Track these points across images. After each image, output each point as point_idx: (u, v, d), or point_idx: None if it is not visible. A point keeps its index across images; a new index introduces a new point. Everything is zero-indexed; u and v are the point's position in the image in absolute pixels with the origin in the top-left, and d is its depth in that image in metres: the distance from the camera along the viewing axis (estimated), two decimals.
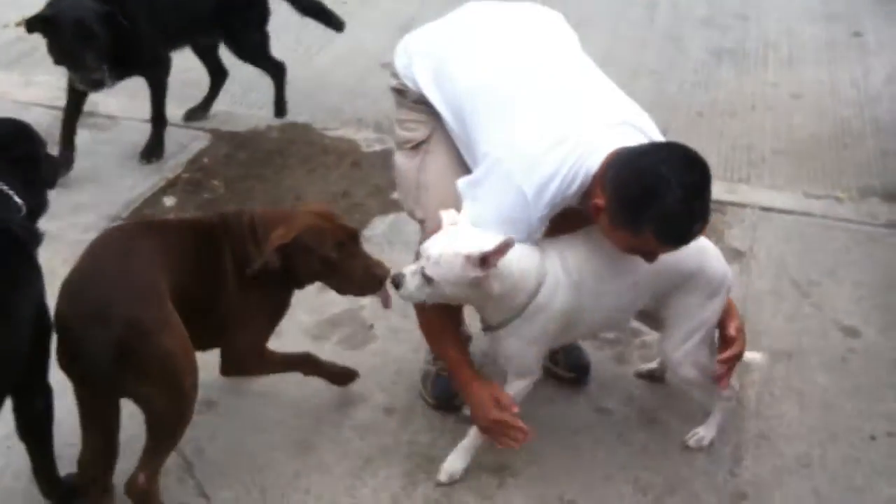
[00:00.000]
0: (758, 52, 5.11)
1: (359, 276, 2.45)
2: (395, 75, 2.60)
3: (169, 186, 3.75)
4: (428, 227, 2.45)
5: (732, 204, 3.74)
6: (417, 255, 2.20)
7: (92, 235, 3.35)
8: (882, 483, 2.52)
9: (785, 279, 3.30)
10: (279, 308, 2.57)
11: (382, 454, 2.58)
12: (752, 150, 4.17)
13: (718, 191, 3.76)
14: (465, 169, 2.43)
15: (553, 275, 2.28)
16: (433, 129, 2.52)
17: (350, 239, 2.46)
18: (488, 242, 2.14)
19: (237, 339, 2.47)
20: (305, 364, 2.66)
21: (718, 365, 2.43)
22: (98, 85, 3.54)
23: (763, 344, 2.99)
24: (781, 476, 2.54)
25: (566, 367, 2.82)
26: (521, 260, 2.23)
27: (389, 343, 2.98)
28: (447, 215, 2.25)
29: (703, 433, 2.60)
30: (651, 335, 3.03)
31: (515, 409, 2.35)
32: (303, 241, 2.38)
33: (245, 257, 2.41)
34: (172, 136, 4.03)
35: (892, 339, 3.03)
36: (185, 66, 4.78)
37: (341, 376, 2.73)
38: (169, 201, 3.68)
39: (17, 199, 2.19)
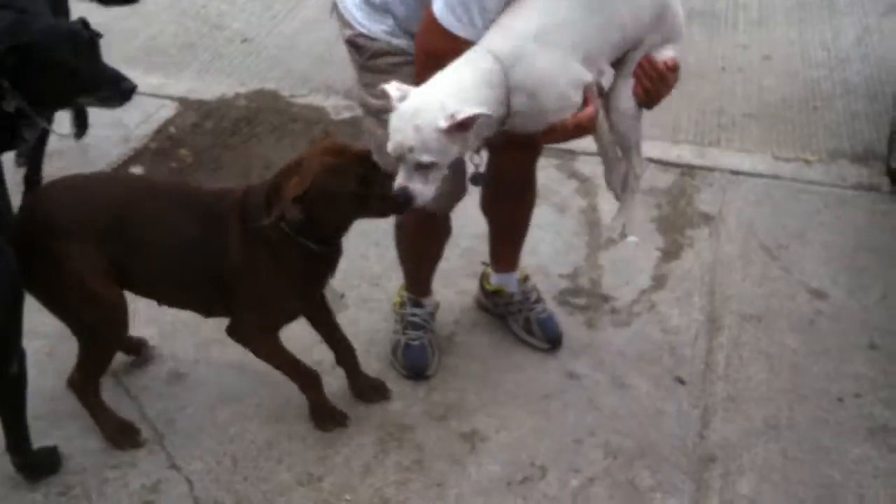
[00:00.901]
0: (728, 13, 5.09)
1: (381, 202, 2.21)
2: (347, 24, 2.34)
3: (136, 157, 3.70)
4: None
5: (702, 168, 3.74)
6: (400, 158, 2.00)
7: None
8: (849, 444, 2.55)
9: (754, 243, 3.32)
10: (297, 288, 2.39)
11: (355, 422, 2.58)
12: (723, 113, 4.17)
13: (688, 155, 3.84)
14: None
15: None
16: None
17: (371, 167, 2.23)
18: (451, 107, 1.94)
19: (242, 313, 2.40)
20: (307, 385, 2.54)
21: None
22: None
23: (732, 308, 3.01)
24: (749, 438, 2.57)
25: (542, 338, 2.83)
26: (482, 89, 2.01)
27: (361, 312, 2.97)
28: (392, 89, 2.02)
29: (617, 221, 2.46)
30: (621, 301, 3.05)
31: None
32: (323, 183, 2.17)
33: (255, 225, 2.26)
34: (139, 105, 3.97)
35: (860, 300, 3.06)
36: (152, 34, 4.72)
37: (329, 417, 2.57)
38: (136, 171, 3.63)
39: None
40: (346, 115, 4.10)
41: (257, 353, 2.47)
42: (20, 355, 2.25)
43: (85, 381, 2.47)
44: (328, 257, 2.39)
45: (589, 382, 2.74)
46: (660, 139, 3.94)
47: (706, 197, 3.57)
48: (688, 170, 3.74)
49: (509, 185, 2.65)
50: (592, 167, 3.61)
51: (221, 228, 2.31)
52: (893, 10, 4.98)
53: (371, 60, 2.31)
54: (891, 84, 4.19)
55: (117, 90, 2.80)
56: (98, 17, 4.78)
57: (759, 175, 3.71)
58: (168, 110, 4.05)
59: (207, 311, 2.48)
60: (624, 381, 2.74)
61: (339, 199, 2.20)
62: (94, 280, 2.29)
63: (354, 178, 2.19)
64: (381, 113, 2.32)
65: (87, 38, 2.77)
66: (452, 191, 2.40)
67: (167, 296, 2.47)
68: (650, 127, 3.94)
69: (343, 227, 2.34)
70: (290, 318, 2.47)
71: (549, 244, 3.28)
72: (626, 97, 2.20)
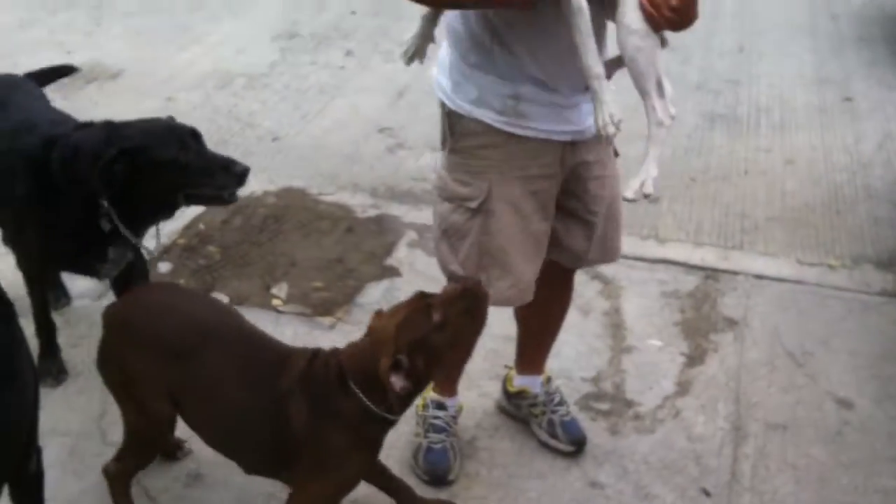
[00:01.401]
0: (750, 116, 5.16)
1: (465, 310, 2.14)
2: (440, 102, 2.36)
3: (165, 253, 3.75)
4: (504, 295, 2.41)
5: (725, 271, 3.75)
6: None
7: (87, 303, 3.41)
8: None
9: (779, 349, 3.30)
10: (365, 460, 2.29)
11: None
12: (746, 216, 4.19)
13: (712, 258, 3.85)
14: (529, 224, 2.37)
15: None
16: (491, 183, 2.31)
17: (424, 296, 2.17)
18: None
19: (303, 488, 2.28)
20: None
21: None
22: None
23: (758, 416, 2.98)
24: None
25: (565, 441, 2.81)
26: None
27: None
28: None
29: (636, 180, 2.14)
30: (645, 406, 3.03)
31: None
32: (408, 338, 2.09)
33: (325, 400, 2.18)
34: None
35: (887, 411, 3.02)
36: None
37: None
38: (164, 267, 3.68)
39: None
40: (371, 212, 4.15)
41: None
42: (38, 452, 2.25)
43: (120, 473, 2.47)
44: (393, 423, 2.26)
45: (612, 492, 2.70)
46: (683, 241, 3.96)
47: (730, 301, 3.56)
48: (711, 273, 3.74)
49: (547, 289, 2.61)
50: (615, 269, 3.63)
51: (283, 399, 2.20)
52: None
53: (460, 142, 2.33)
54: None
55: (230, 174, 2.68)
56: (130, 115, 4.95)
57: (784, 280, 3.70)
58: (198, 207, 4.11)
59: (255, 471, 2.39)
60: (648, 492, 2.71)
61: (428, 343, 2.09)
62: (150, 395, 2.29)
63: (433, 315, 2.10)
64: (464, 201, 2.35)
65: (189, 130, 2.71)
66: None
67: (215, 443, 2.40)
68: (675, 230, 4.03)
69: (443, 371, 2.29)
70: (351, 489, 2.33)
71: (571, 347, 3.27)
72: (631, 7, 2.02)
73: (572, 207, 2.45)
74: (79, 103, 5.11)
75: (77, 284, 3.41)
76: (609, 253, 2.60)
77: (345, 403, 2.16)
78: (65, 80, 5.39)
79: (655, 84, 2.08)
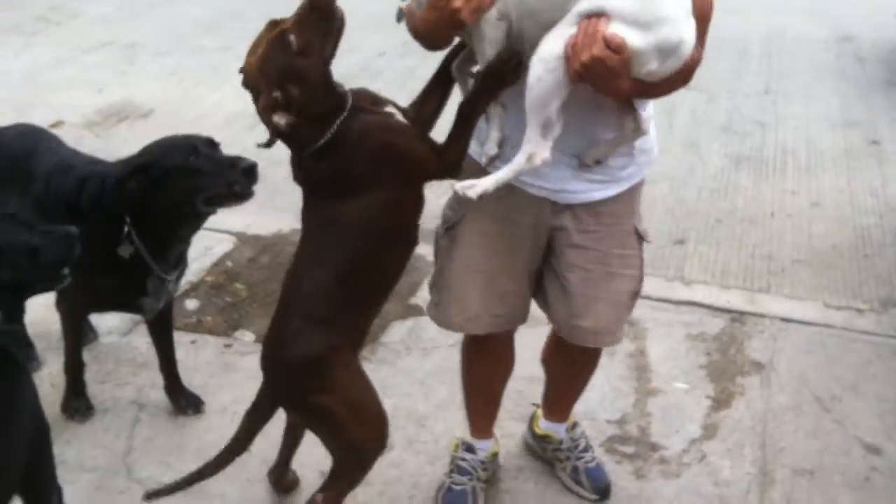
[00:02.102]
0: (776, 158, 5.16)
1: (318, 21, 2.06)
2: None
3: (192, 290, 3.79)
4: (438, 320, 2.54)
5: (752, 314, 3.73)
6: None
7: (115, 339, 3.44)
8: None
9: (806, 393, 3.27)
10: None
11: None
12: (772, 259, 4.18)
13: (738, 301, 3.83)
14: (491, 261, 2.39)
15: None
16: (468, 211, 2.35)
17: (274, 24, 2.08)
18: None
19: None
20: None
21: None
22: None
23: (785, 461, 2.95)
24: None
25: (590, 489, 2.79)
26: None
27: (406, 454, 2.96)
28: None
29: (478, 182, 2.12)
30: (671, 450, 3.01)
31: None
32: (274, 71, 2.03)
33: None
34: (199, 239, 4.08)
35: None
36: None
37: None
38: (191, 304, 3.71)
39: None
40: None
41: None
42: (58, 492, 2.26)
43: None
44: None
45: None
46: (709, 283, 3.96)
47: (757, 344, 3.54)
48: (738, 316, 3.73)
49: (574, 348, 2.54)
50: (640, 311, 3.61)
51: None
52: None
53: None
54: None
55: (238, 170, 2.72)
56: None
57: (811, 323, 3.68)
58: (226, 245, 4.16)
59: None
60: None
61: (295, 66, 2.03)
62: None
63: (286, 39, 2.02)
64: (445, 222, 2.45)
65: (204, 139, 2.75)
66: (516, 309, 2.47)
67: None
68: (701, 271, 4.02)
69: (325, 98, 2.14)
70: None
71: (596, 389, 3.25)
72: (554, 37, 1.95)
73: (550, 269, 2.43)
74: (111, 142, 5.21)
75: (105, 321, 3.45)
76: (587, 332, 2.44)
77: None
78: (97, 119, 5.53)
79: (541, 122, 2.03)
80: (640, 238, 2.42)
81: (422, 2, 2.13)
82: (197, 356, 3.36)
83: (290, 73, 2.02)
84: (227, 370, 3.29)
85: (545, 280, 2.46)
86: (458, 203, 2.37)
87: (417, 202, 2.23)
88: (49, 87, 5.96)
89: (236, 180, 2.71)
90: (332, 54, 2.08)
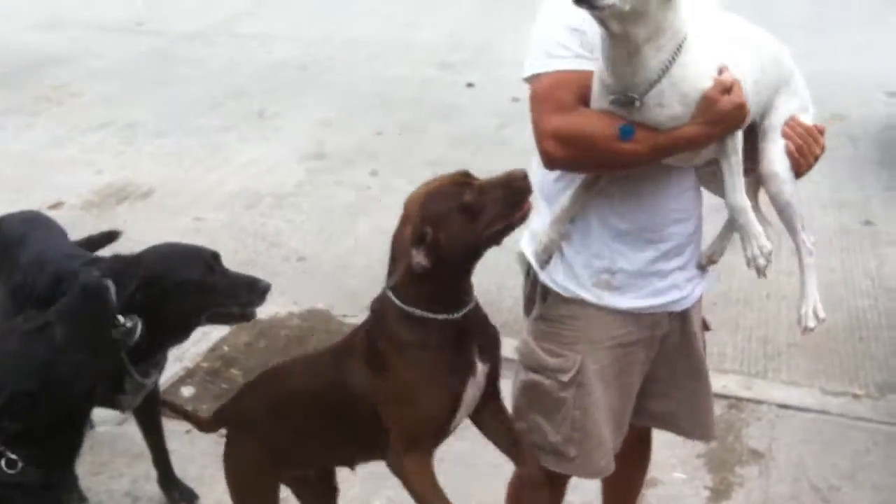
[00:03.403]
0: (770, 239, 5.18)
1: (502, 198, 2.02)
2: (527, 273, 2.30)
3: (188, 376, 3.79)
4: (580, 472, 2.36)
5: (750, 400, 3.73)
6: None
7: (109, 428, 3.42)
8: None
9: (804, 483, 3.26)
10: (437, 381, 2.06)
11: None
12: (768, 342, 4.19)
13: (735, 386, 3.83)
14: (621, 395, 2.30)
15: None
16: (583, 355, 2.23)
17: (465, 175, 2.08)
18: None
19: (391, 442, 2.11)
20: None
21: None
22: None
23: None
24: None
25: None
26: None
27: None
28: None
29: (807, 308, 2.36)
30: None
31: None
32: (432, 212, 1.99)
33: (371, 340, 2.11)
34: None
35: None
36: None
37: None
38: (187, 391, 3.71)
39: None
40: None
41: (407, 483, 2.11)
42: None
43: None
44: (464, 328, 2.08)
45: None
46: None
47: (755, 432, 3.53)
48: (735, 402, 3.72)
49: (629, 449, 2.49)
50: None
51: (347, 361, 2.17)
52: None
53: (551, 310, 2.26)
54: None
55: (255, 291, 2.74)
56: (158, 235, 5.02)
57: (808, 409, 3.68)
58: (223, 329, 4.16)
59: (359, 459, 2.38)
60: None
61: (451, 217, 1.99)
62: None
63: (461, 189, 2.01)
64: (554, 372, 2.24)
65: (210, 252, 2.77)
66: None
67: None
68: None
69: (466, 264, 2.07)
70: (442, 427, 2.11)
71: (595, 480, 3.24)
72: (780, 157, 2.13)
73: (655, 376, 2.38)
74: (109, 224, 5.21)
75: (99, 410, 3.43)
76: (696, 427, 2.49)
77: (387, 326, 2.07)
78: (95, 200, 5.58)
79: (801, 216, 2.27)
80: (705, 327, 2.49)
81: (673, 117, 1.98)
82: (192, 446, 3.34)
83: (448, 220, 1.99)
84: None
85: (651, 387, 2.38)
86: (563, 346, 2.23)
87: None
88: (49, 167, 6.02)
89: (252, 302, 2.74)
90: (491, 237, 2.03)
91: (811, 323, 2.28)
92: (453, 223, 1.98)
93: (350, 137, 6.63)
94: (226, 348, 4.02)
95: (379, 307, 2.13)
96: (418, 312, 2.03)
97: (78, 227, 5.13)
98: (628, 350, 2.27)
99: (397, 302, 2.05)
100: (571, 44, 2.02)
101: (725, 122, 1.96)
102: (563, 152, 2.03)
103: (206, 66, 8.19)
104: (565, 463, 2.31)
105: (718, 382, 3.83)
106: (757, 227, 2.15)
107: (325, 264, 4.88)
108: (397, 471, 2.12)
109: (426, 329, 2.04)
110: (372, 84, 7.75)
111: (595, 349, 2.23)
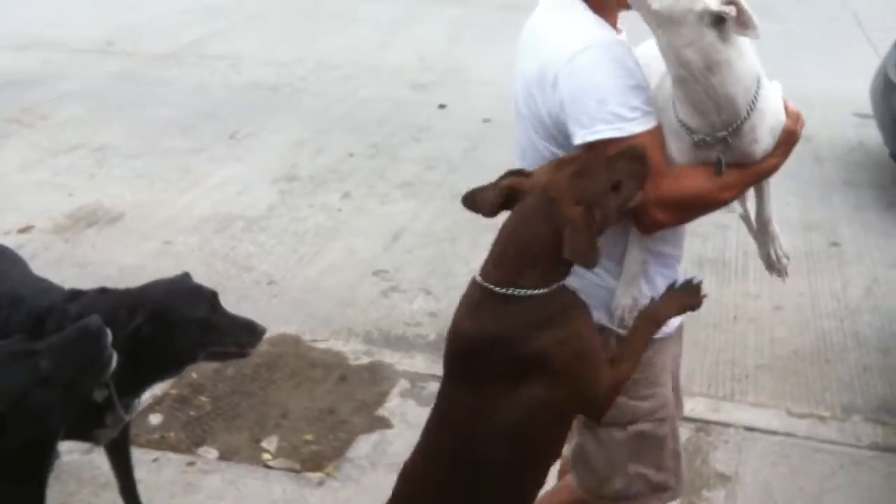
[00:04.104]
0: (738, 261, 5.24)
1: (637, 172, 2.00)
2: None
3: (156, 404, 3.77)
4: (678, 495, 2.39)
5: (717, 423, 3.75)
6: None
7: (76, 458, 3.39)
8: None
9: None
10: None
11: None
12: (735, 364, 4.22)
13: (702, 409, 3.85)
14: None
15: None
16: (665, 387, 2.33)
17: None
18: None
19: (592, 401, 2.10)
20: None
21: None
22: None
23: None
24: None
25: None
26: None
27: None
28: None
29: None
30: None
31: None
32: (590, 191, 1.97)
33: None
34: None
35: None
36: None
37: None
38: (155, 419, 3.69)
39: None
40: (364, 360, 4.18)
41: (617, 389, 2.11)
42: None
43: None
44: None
45: None
46: None
47: (721, 455, 3.56)
48: (703, 425, 3.74)
49: None
50: None
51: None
52: None
53: None
54: None
55: (253, 333, 2.77)
56: (127, 259, 5.05)
57: (774, 432, 3.71)
58: None
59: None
60: None
61: (607, 196, 1.99)
62: None
63: (598, 167, 1.99)
64: (650, 414, 2.28)
65: (211, 292, 2.77)
66: None
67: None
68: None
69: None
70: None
71: None
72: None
73: None
74: (79, 247, 5.22)
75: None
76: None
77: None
78: (66, 223, 5.55)
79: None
80: None
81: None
82: (159, 475, 3.32)
83: (605, 199, 1.98)
84: (190, 490, 3.27)
85: None
86: (652, 385, 2.28)
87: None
88: (19, 190, 5.98)
89: (250, 343, 2.77)
90: (616, 212, 2.03)
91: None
92: (609, 201, 1.98)
93: (322, 159, 6.63)
94: (194, 375, 4.00)
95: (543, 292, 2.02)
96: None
97: (49, 251, 5.14)
98: (677, 363, 2.46)
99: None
100: (639, 103, 2.02)
101: (793, 148, 2.08)
102: (673, 217, 2.09)
103: (177, 87, 8.17)
104: (667, 495, 2.37)
105: (686, 406, 3.82)
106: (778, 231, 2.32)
107: (295, 288, 4.87)
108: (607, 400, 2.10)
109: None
110: (344, 105, 7.77)
111: (667, 375, 2.34)
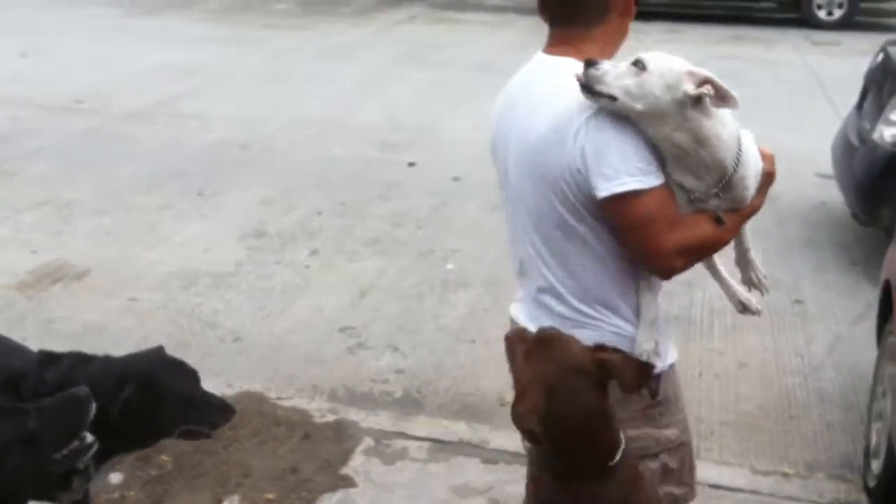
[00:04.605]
0: (703, 318, 5.28)
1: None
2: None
3: (116, 462, 3.69)
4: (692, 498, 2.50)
5: None
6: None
7: None
8: None
9: None
10: None
11: None
12: (701, 421, 4.22)
13: None
14: None
15: None
16: (683, 411, 2.46)
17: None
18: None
19: None
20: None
21: None
22: None
23: None
24: None
25: None
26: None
27: None
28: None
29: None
30: None
31: None
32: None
33: None
34: None
35: None
36: (145, 333, 4.82)
37: None
38: (115, 478, 3.63)
39: None
40: (329, 417, 4.14)
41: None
42: None
43: None
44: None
45: None
46: None
47: None
48: None
49: None
50: None
51: None
52: (862, 319, 5.17)
53: (662, 392, 2.36)
54: (864, 393, 4.28)
55: (226, 415, 2.78)
56: (92, 316, 5.01)
57: (739, 490, 3.70)
58: None
59: None
60: None
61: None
62: None
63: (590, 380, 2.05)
64: (671, 441, 2.38)
65: (191, 368, 2.76)
66: None
67: None
68: None
69: None
70: None
71: None
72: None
73: None
74: (44, 304, 5.18)
75: None
76: None
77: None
78: (30, 280, 5.50)
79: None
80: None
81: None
82: None
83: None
84: None
85: None
86: (674, 415, 2.40)
87: None
88: None
89: (221, 424, 2.78)
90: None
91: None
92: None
93: (290, 216, 6.65)
94: None
95: None
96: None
97: (13, 308, 5.09)
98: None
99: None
100: (652, 158, 2.15)
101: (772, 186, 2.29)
102: (688, 262, 2.24)
103: (145, 144, 8.19)
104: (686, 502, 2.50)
105: None
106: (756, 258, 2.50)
107: (261, 345, 4.84)
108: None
109: None
110: (313, 164, 7.81)
111: (680, 402, 2.46)
